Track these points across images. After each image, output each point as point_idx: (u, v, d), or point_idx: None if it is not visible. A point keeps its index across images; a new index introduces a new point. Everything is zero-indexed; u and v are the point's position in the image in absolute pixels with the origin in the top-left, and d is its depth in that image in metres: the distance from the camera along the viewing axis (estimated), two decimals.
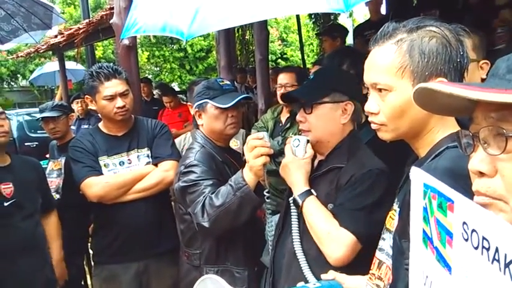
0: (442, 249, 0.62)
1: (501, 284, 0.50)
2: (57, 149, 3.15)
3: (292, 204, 1.50)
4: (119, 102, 2.13)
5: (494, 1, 3.46)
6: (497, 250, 0.51)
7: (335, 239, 1.37)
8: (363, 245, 1.37)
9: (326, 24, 7.75)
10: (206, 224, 1.65)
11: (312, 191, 1.47)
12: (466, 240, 0.56)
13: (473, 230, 0.55)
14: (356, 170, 1.44)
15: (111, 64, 2.21)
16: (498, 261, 0.50)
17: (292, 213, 1.50)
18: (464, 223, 0.56)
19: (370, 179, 1.41)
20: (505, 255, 0.49)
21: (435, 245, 0.64)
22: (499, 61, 0.67)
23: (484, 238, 0.53)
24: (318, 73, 1.62)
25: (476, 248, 0.54)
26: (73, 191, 2.33)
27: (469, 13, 3.60)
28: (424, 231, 0.66)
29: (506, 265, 0.49)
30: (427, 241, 0.66)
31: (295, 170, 1.49)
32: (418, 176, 0.68)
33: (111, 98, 2.13)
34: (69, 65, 8.20)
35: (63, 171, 2.97)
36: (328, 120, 1.50)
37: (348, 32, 4.95)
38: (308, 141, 1.49)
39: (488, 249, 0.52)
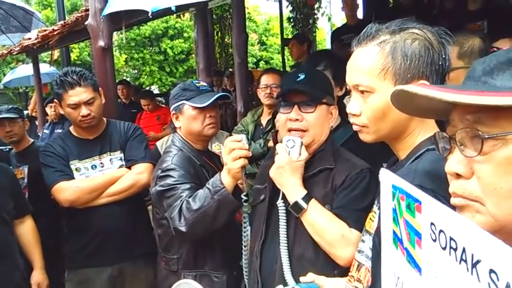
0: (412, 250, 0.62)
1: (469, 284, 0.50)
2: (16, 157, 3.02)
3: (282, 208, 1.47)
4: (83, 110, 2.11)
5: (468, 6, 3.55)
6: (464, 250, 0.51)
7: (349, 241, 1.36)
8: None
9: (305, 28, 7.83)
10: (183, 229, 1.63)
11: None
12: (434, 240, 0.56)
13: (440, 231, 0.55)
14: (349, 170, 1.46)
15: (78, 69, 2.17)
16: (465, 261, 0.51)
17: (281, 217, 1.47)
18: (432, 224, 0.57)
19: (365, 178, 1.44)
20: (472, 255, 0.49)
21: (405, 246, 0.64)
22: (475, 63, 0.67)
23: (451, 238, 0.53)
24: (309, 73, 1.58)
25: (444, 249, 0.55)
26: (40, 199, 2.26)
27: (445, 18, 3.69)
28: (394, 232, 0.67)
29: (473, 265, 0.49)
30: (398, 242, 0.66)
31: (291, 173, 1.43)
32: (386, 178, 0.68)
33: (75, 106, 2.11)
34: (45, 68, 8.00)
35: (26, 180, 2.87)
36: (323, 121, 1.52)
37: (311, 43, 5.33)
38: (302, 143, 1.46)
39: (455, 250, 0.52)
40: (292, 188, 1.43)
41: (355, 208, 1.40)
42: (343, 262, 1.37)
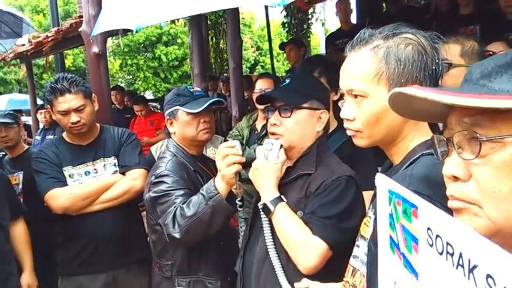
0: (409, 255, 0.62)
1: None
2: (10, 163, 3.00)
3: (261, 211, 1.47)
4: (73, 117, 2.10)
5: (460, 11, 3.59)
6: (461, 255, 0.50)
7: (308, 247, 1.36)
8: (333, 252, 1.36)
9: (299, 33, 7.88)
10: (177, 235, 1.61)
11: (282, 197, 1.45)
12: (431, 245, 0.56)
13: (437, 236, 0.54)
14: (325, 177, 1.44)
15: (70, 76, 2.15)
16: (462, 266, 0.50)
17: (262, 220, 1.47)
18: (428, 229, 0.56)
19: (339, 186, 1.41)
20: (469, 260, 0.49)
21: (402, 251, 0.63)
22: (472, 66, 0.67)
23: (448, 243, 0.52)
24: (295, 77, 1.58)
25: (441, 254, 0.54)
26: (35, 205, 2.24)
27: (438, 22, 3.72)
28: (390, 237, 0.66)
29: (470, 270, 0.49)
30: (394, 247, 0.66)
31: (266, 175, 1.45)
32: (383, 183, 0.68)
33: (65, 113, 2.11)
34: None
35: (21, 186, 2.84)
36: (304, 126, 1.50)
37: (306, 48, 5.39)
38: (281, 146, 1.47)
39: (452, 255, 0.52)
40: (265, 190, 1.45)
41: (322, 215, 1.39)
42: (302, 268, 1.36)
